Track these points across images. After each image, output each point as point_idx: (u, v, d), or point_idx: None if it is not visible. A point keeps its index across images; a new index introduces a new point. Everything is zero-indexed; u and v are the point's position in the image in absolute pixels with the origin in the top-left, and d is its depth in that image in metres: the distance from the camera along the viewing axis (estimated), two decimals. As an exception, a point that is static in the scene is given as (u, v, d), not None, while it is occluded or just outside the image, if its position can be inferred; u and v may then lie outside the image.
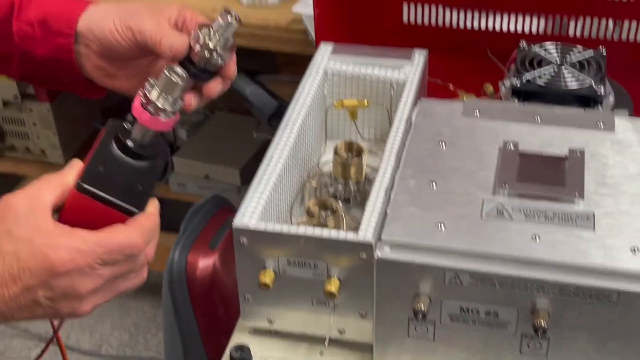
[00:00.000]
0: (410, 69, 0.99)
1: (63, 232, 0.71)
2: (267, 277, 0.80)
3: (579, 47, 1.00)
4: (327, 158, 1.00)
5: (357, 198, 0.94)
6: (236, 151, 1.91)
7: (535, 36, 1.13)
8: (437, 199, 0.81)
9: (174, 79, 0.76)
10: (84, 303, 0.72)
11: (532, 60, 0.99)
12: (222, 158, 1.91)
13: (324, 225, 0.84)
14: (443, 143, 0.88)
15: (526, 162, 0.84)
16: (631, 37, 1.11)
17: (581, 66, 0.98)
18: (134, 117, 0.77)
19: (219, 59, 0.80)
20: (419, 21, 1.17)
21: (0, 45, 0.91)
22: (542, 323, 0.74)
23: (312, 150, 0.98)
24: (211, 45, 0.79)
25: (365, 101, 0.99)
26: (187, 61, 0.82)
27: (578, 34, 1.12)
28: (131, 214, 0.74)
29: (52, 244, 0.70)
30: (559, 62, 0.98)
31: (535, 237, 0.76)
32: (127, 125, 0.78)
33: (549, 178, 0.82)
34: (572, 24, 1.12)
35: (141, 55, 0.89)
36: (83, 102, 1.88)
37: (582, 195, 0.80)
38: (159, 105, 0.76)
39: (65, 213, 0.73)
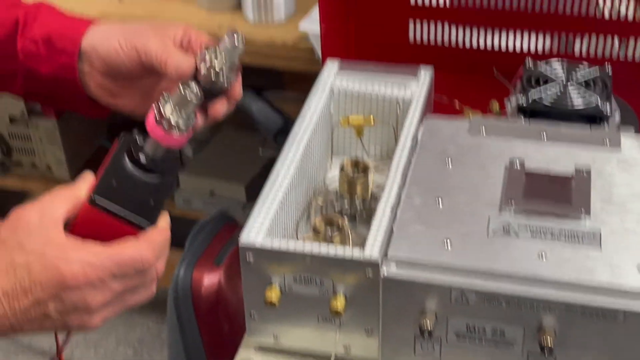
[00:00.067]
0: (416, 87, 0.99)
1: (75, 246, 0.71)
2: (273, 294, 0.80)
3: (585, 64, 1.00)
4: (333, 175, 1.00)
5: (363, 215, 0.94)
6: (242, 167, 1.91)
7: (541, 54, 1.13)
8: (443, 217, 0.81)
9: (188, 95, 0.77)
10: (94, 316, 0.72)
11: (537, 78, 0.99)
12: (228, 174, 1.91)
13: (330, 242, 0.84)
14: (449, 160, 0.88)
15: (532, 180, 0.84)
16: (637, 55, 1.11)
17: (587, 84, 0.98)
18: (147, 132, 0.78)
19: (225, 80, 0.80)
20: (425, 39, 1.17)
21: (4, 63, 0.92)
22: (549, 341, 0.74)
23: (318, 167, 0.99)
24: (217, 67, 0.80)
25: (372, 118, 0.99)
26: (193, 82, 0.82)
27: (584, 52, 1.12)
28: (142, 229, 0.75)
29: (64, 257, 0.70)
30: (564, 80, 0.98)
31: (541, 255, 0.76)
32: (139, 140, 0.78)
33: (555, 196, 0.82)
34: (577, 42, 1.12)
35: (145, 75, 0.89)
36: (89, 118, 1.88)
37: (588, 213, 0.80)
38: (173, 120, 0.76)
39: (76, 226, 0.74)
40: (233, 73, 0.81)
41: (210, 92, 0.82)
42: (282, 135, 1.46)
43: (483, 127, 0.92)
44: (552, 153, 0.88)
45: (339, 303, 0.79)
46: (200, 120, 0.83)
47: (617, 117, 0.97)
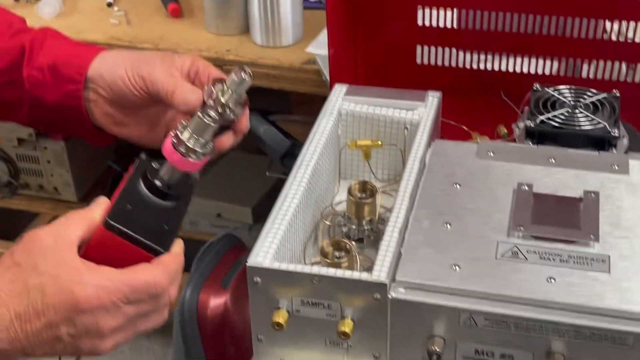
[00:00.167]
0: (424, 110, 0.99)
1: (89, 269, 0.71)
2: (281, 317, 0.80)
3: (593, 90, 1.00)
4: (340, 198, 1.00)
5: (371, 238, 0.94)
6: (248, 190, 1.92)
7: (549, 77, 1.14)
8: (452, 240, 0.81)
9: (206, 120, 0.77)
10: (105, 341, 0.72)
11: (545, 102, 0.99)
12: (235, 197, 1.91)
13: (337, 265, 0.84)
14: (457, 184, 0.88)
15: (541, 204, 0.84)
16: (645, 80, 1.11)
17: (595, 108, 0.98)
18: (163, 157, 0.78)
19: (231, 114, 0.80)
20: (433, 62, 1.17)
21: (10, 91, 0.92)
22: (558, 366, 0.73)
23: (325, 190, 0.99)
24: (224, 101, 0.80)
25: (379, 142, 1.00)
26: None
27: (591, 76, 1.13)
28: (157, 254, 0.74)
29: (78, 280, 0.70)
30: (573, 105, 0.99)
31: (550, 280, 0.76)
32: (155, 164, 0.78)
33: (563, 220, 0.82)
34: (585, 65, 1.13)
35: (151, 104, 0.89)
36: (93, 146, 1.89)
37: (597, 238, 0.80)
38: (190, 146, 0.77)
39: (90, 249, 0.74)
40: (240, 107, 0.81)
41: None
42: (288, 158, 1.46)
43: (491, 151, 0.92)
44: (561, 177, 0.88)
45: (347, 326, 0.79)
46: None
47: (625, 142, 0.97)
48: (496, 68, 1.16)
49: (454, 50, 1.16)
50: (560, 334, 0.74)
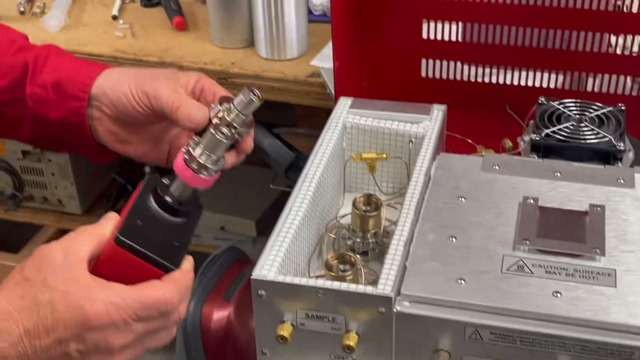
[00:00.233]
0: (429, 124, 0.99)
1: (100, 285, 0.70)
2: (285, 331, 0.80)
3: (598, 104, 1.00)
4: (345, 211, 1.00)
5: (376, 251, 0.94)
6: (252, 203, 1.91)
7: (554, 91, 1.14)
8: (457, 254, 0.81)
9: (218, 136, 0.77)
10: (114, 358, 0.71)
11: (551, 116, 0.99)
12: (238, 209, 1.91)
13: (342, 278, 0.84)
14: (462, 197, 0.88)
15: (546, 218, 0.84)
16: (650, 93, 1.11)
17: (600, 122, 0.98)
18: (175, 173, 0.78)
19: (236, 134, 0.80)
20: (438, 76, 1.17)
21: (13, 109, 0.91)
22: (564, 381, 0.73)
23: (330, 202, 0.98)
24: (229, 120, 0.80)
25: (384, 154, 1.00)
26: (203, 132, 0.82)
27: (596, 89, 1.13)
28: (167, 271, 0.74)
29: (88, 296, 0.69)
30: (578, 118, 0.98)
31: (556, 294, 0.76)
32: (165, 180, 0.78)
33: (569, 234, 0.82)
34: (590, 79, 1.13)
35: (155, 121, 0.89)
36: (96, 163, 1.89)
37: (603, 252, 0.80)
38: (202, 162, 0.77)
39: (100, 265, 0.73)
40: (245, 127, 0.81)
41: None
42: (293, 171, 1.46)
43: (496, 165, 0.92)
44: (566, 191, 0.88)
45: (352, 340, 0.79)
46: None
47: (630, 156, 0.97)
48: (501, 81, 1.16)
49: (458, 64, 1.16)
50: (566, 348, 0.73)
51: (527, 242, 0.81)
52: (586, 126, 0.97)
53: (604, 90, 1.12)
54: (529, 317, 0.74)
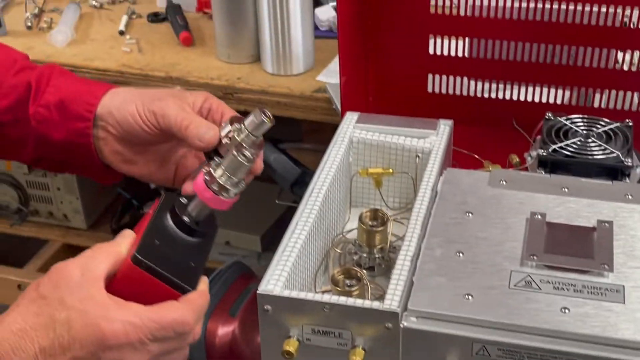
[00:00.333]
0: (435, 139, 0.99)
1: (117, 305, 0.70)
2: (291, 346, 0.79)
3: (606, 119, 1.00)
4: (351, 226, 1.00)
5: (382, 266, 0.93)
6: (257, 218, 1.91)
7: (561, 106, 1.13)
8: (464, 269, 0.80)
9: (240, 158, 0.77)
10: None
11: (558, 131, 0.99)
12: (243, 225, 1.91)
13: (348, 293, 0.83)
14: (469, 213, 0.87)
15: (554, 234, 0.84)
16: (657, 109, 1.11)
17: (608, 138, 0.98)
18: (194, 193, 0.78)
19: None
20: (444, 91, 1.17)
21: (15, 129, 0.90)
22: (572, 398, 0.72)
23: (336, 217, 0.98)
24: (239, 141, 0.79)
25: (391, 169, 0.99)
26: (213, 152, 0.82)
27: (603, 105, 1.12)
28: (184, 292, 0.74)
29: (105, 316, 0.69)
30: (585, 134, 0.98)
31: (564, 310, 0.75)
32: (183, 200, 0.78)
33: (577, 250, 0.82)
34: (597, 95, 1.12)
35: (162, 141, 0.88)
36: (101, 184, 1.89)
37: (611, 268, 0.79)
38: (222, 183, 0.76)
39: (116, 283, 0.73)
40: (255, 148, 0.81)
41: None
42: (298, 186, 1.46)
43: (503, 180, 0.92)
44: (574, 206, 0.87)
45: (358, 356, 0.78)
46: None
47: (638, 171, 0.97)
48: (508, 97, 1.16)
49: (465, 79, 1.16)
50: (575, 365, 0.73)
51: (535, 257, 0.80)
52: (594, 142, 0.97)
53: (611, 106, 1.12)
54: (536, 333, 0.74)
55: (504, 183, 0.91)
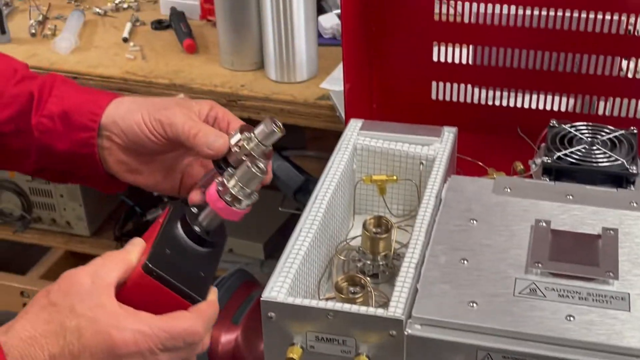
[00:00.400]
0: (439, 146, 0.99)
1: (128, 313, 0.70)
2: (295, 353, 0.79)
3: (610, 127, 1.00)
4: (355, 233, 1.00)
5: (386, 273, 0.93)
6: (260, 225, 1.91)
7: (565, 114, 1.13)
8: (469, 276, 0.80)
9: (254, 170, 0.76)
10: None
11: (563, 139, 0.99)
12: (246, 232, 1.90)
13: (352, 300, 0.83)
14: (474, 220, 0.87)
15: (559, 241, 0.83)
16: (662, 117, 1.11)
17: (612, 145, 0.98)
18: (205, 202, 0.77)
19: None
20: (448, 98, 1.17)
21: (17, 140, 0.90)
22: (577, 406, 0.72)
23: (340, 224, 0.98)
24: (249, 150, 0.79)
25: (395, 177, 0.99)
26: (221, 161, 0.82)
27: (608, 113, 1.12)
28: (194, 302, 0.74)
29: (116, 324, 0.69)
30: (590, 141, 0.98)
31: (569, 317, 0.75)
32: (194, 209, 0.78)
33: (582, 257, 0.81)
34: (601, 102, 1.12)
35: (167, 150, 0.88)
36: (105, 193, 1.89)
37: (616, 276, 0.79)
38: (235, 194, 0.76)
39: (126, 291, 0.73)
40: (264, 157, 0.81)
41: None
42: (302, 193, 1.46)
43: (508, 187, 0.91)
44: (579, 214, 0.87)
45: (362, 363, 0.78)
46: None
47: (643, 179, 0.96)
48: (512, 104, 1.16)
49: (469, 87, 1.16)
50: (580, 373, 0.72)
51: (540, 265, 0.80)
52: (598, 149, 0.97)
53: (615, 113, 1.12)
54: (541, 341, 0.73)
55: (509, 190, 0.91)
